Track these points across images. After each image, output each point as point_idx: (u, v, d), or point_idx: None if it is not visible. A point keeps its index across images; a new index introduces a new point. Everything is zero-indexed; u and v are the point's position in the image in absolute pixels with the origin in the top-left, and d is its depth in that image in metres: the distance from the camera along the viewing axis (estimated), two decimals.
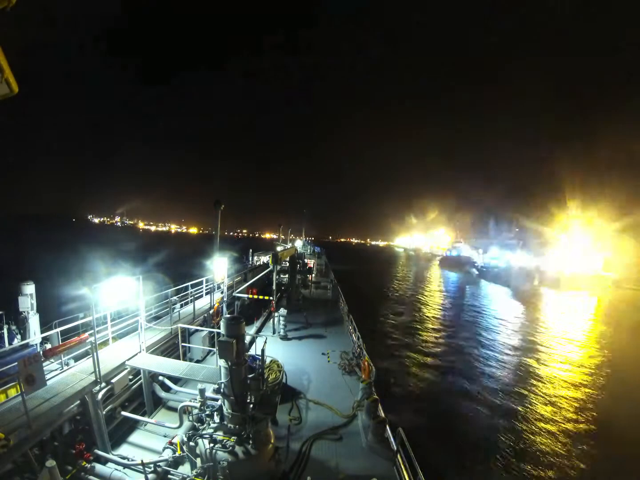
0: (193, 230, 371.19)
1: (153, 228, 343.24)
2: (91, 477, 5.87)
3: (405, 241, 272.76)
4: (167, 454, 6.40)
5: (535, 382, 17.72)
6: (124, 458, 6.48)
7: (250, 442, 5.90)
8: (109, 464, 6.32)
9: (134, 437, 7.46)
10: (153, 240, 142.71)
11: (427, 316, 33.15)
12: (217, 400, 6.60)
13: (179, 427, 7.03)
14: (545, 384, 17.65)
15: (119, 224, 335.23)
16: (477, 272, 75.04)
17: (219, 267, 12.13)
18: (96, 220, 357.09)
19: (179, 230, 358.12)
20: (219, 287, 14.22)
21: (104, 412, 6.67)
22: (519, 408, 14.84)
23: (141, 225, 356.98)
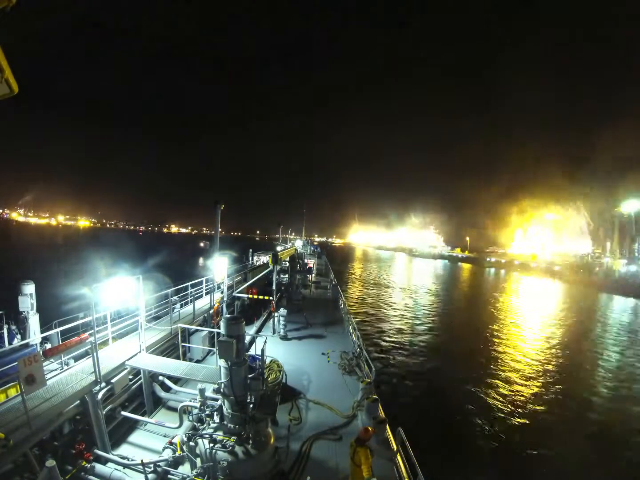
0: (84, 222, 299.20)
1: (34, 220, 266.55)
2: (91, 477, 5.87)
3: (358, 237, 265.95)
4: (167, 454, 6.39)
5: (532, 379, 17.73)
6: (124, 458, 6.47)
7: (250, 442, 5.92)
8: (109, 464, 6.32)
9: (134, 437, 7.46)
10: None
11: None
12: (217, 400, 6.61)
13: (179, 427, 7.03)
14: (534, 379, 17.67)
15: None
16: None
17: (219, 267, 12.14)
18: None
19: (66, 222, 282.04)
20: (219, 287, 14.22)
21: (104, 412, 6.66)
22: (521, 409, 14.84)
23: (15, 216, 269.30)
